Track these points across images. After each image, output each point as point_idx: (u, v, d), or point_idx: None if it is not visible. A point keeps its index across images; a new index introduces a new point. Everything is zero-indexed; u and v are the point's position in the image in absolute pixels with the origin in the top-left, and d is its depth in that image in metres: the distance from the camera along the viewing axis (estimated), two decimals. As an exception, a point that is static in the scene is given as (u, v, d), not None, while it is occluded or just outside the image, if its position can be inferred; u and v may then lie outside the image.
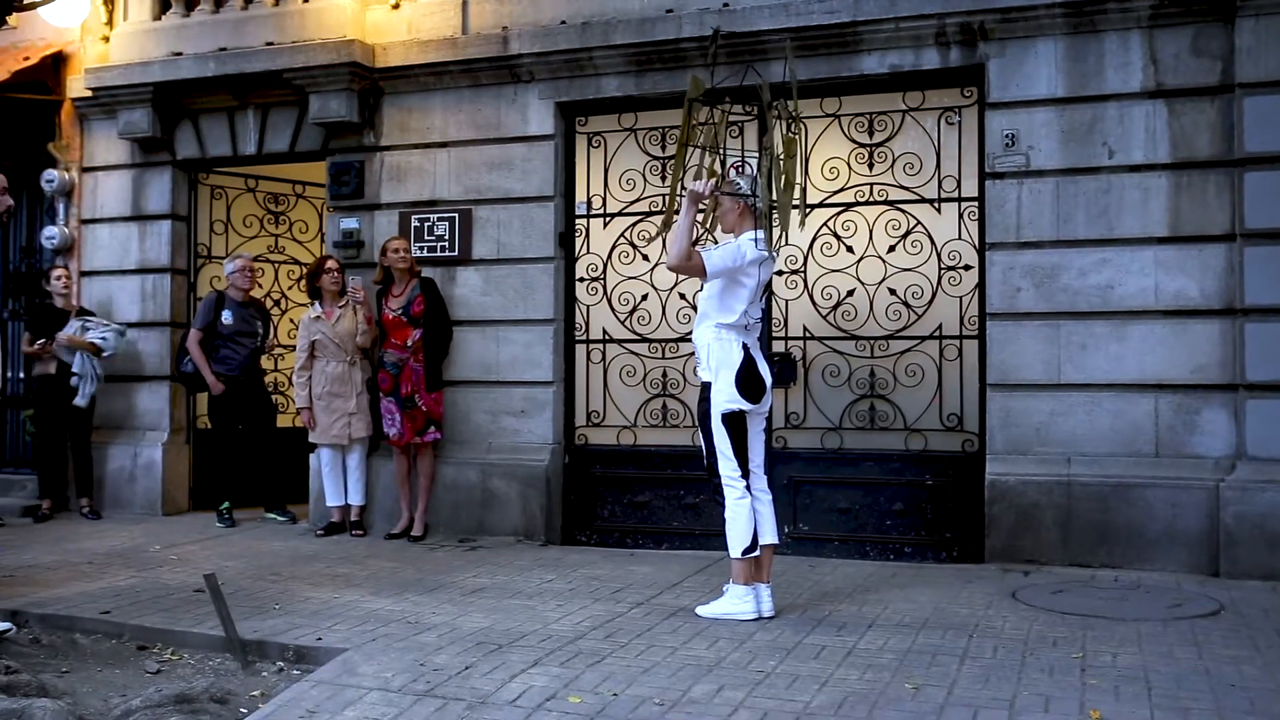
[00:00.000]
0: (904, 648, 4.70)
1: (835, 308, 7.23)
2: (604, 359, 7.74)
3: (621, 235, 7.73)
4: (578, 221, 7.85)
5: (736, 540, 5.31)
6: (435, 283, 7.81)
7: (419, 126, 8.10)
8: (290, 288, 9.63)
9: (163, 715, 4.03)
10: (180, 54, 8.46)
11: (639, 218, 7.67)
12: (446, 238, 7.95)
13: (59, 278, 8.71)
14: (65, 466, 8.84)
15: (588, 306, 7.80)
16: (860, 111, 7.25)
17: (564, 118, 7.83)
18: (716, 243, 5.49)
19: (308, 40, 8.08)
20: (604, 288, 7.75)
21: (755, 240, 5.30)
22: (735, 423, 5.35)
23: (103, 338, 8.49)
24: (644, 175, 7.67)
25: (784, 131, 5.49)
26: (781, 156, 5.39)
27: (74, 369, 8.48)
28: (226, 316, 8.32)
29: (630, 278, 7.69)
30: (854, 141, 7.26)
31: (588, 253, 7.82)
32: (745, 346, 5.37)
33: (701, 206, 5.50)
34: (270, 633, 5.07)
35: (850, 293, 7.21)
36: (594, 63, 7.56)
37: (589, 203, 7.84)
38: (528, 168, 7.80)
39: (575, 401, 7.80)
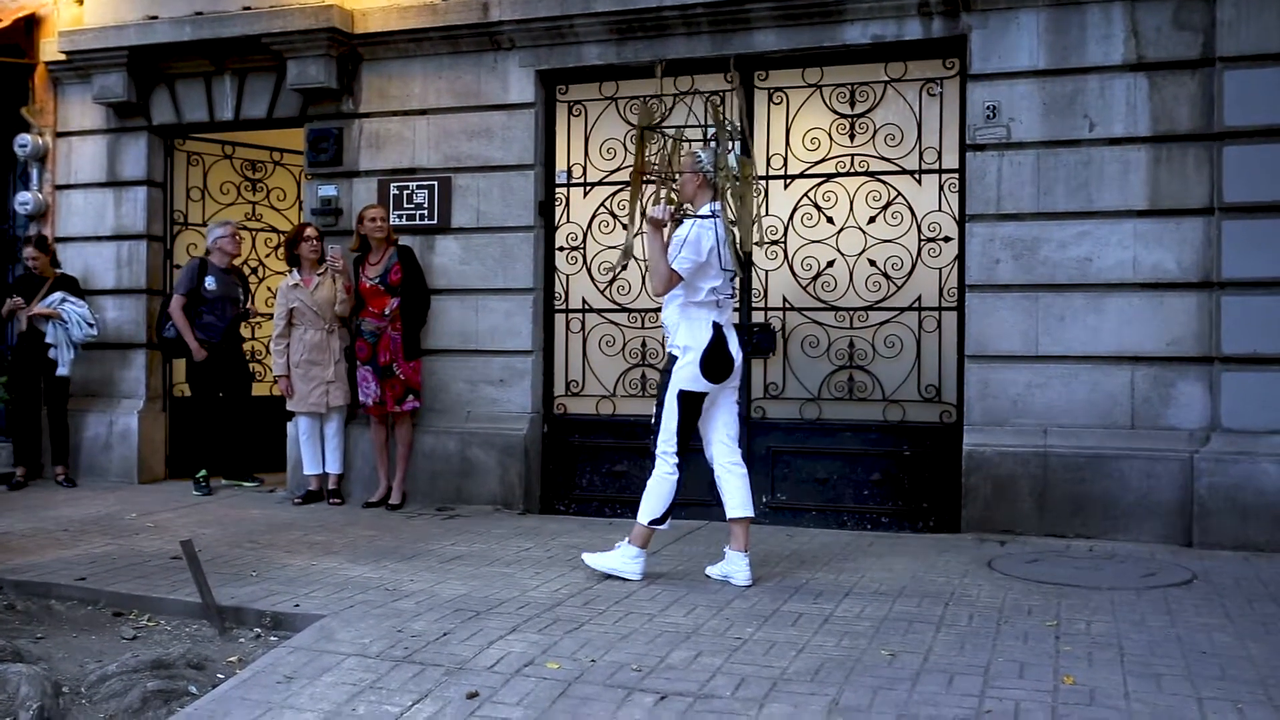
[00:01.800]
0: (880, 615, 4.73)
1: (815, 278, 7.24)
2: (583, 328, 7.73)
3: (601, 205, 7.70)
4: (558, 190, 7.82)
5: (649, 509, 5.41)
6: (413, 251, 7.78)
7: (398, 93, 8.04)
8: (268, 255, 9.56)
9: (139, 680, 4.03)
10: (156, 17, 8.35)
11: (619, 187, 7.63)
12: (426, 206, 7.90)
13: (31, 257, 8.58)
14: (40, 434, 8.79)
15: (567, 276, 7.78)
16: (842, 82, 7.23)
17: (544, 86, 7.78)
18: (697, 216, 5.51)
19: (286, 5, 7.99)
20: (584, 257, 7.73)
21: (714, 218, 5.38)
22: (690, 402, 5.41)
23: (76, 323, 8.42)
24: (624, 144, 7.63)
25: (732, 151, 5.55)
26: (736, 175, 5.46)
27: (48, 338, 8.42)
28: (209, 283, 8.27)
29: (610, 247, 7.66)
30: (835, 112, 7.24)
31: (568, 222, 7.79)
32: (716, 325, 5.42)
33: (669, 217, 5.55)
34: (247, 599, 5.07)
35: (830, 263, 7.21)
36: (575, 30, 7.50)
37: (569, 171, 7.81)
38: (508, 136, 7.76)
39: (554, 371, 7.79)
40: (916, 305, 7.05)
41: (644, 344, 7.57)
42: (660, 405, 5.46)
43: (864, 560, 5.95)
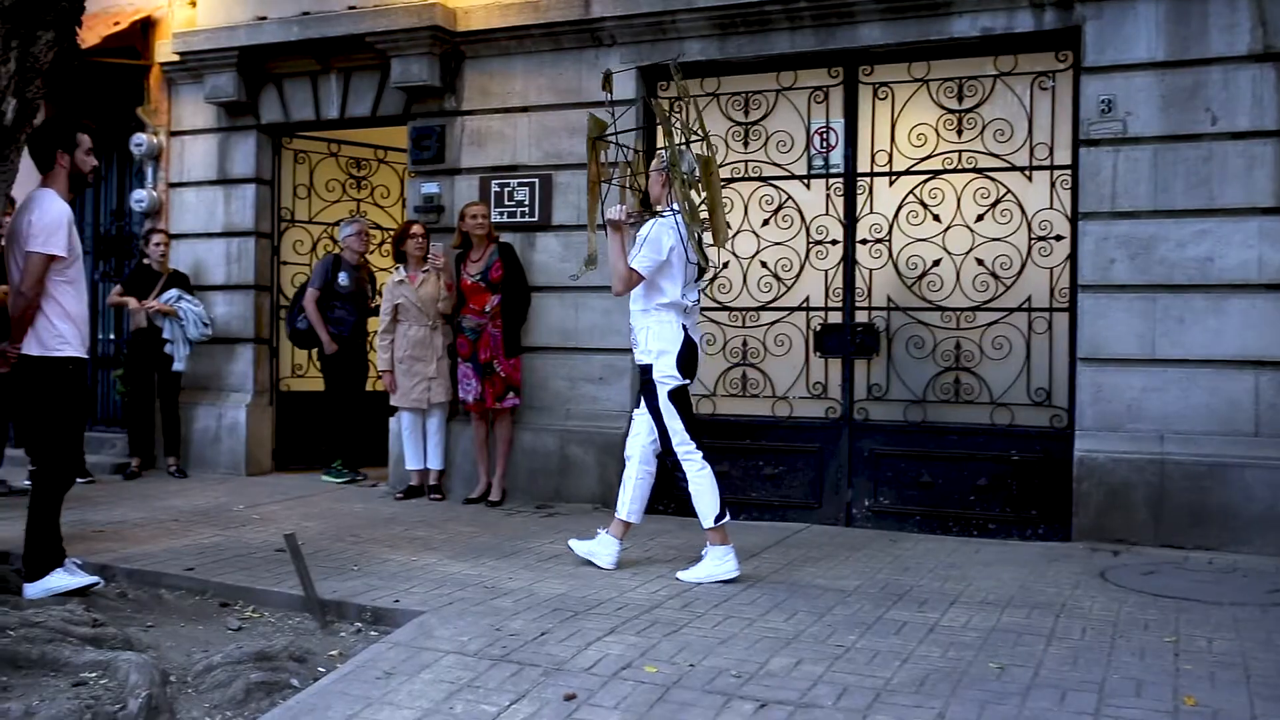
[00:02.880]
0: (988, 626, 4.59)
1: (920, 278, 7.07)
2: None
3: (703, 202, 7.61)
4: (659, 188, 7.76)
5: (706, 510, 5.45)
6: (514, 248, 7.79)
7: (500, 91, 8.06)
8: (371, 252, 9.67)
9: (243, 671, 4.07)
10: (264, 18, 8.51)
11: (721, 184, 7.53)
12: (526, 203, 7.91)
13: (157, 243, 8.83)
14: (153, 426, 9.01)
15: (672, 274, 7.72)
16: (949, 76, 7.05)
17: (645, 82, 7.73)
18: (658, 214, 5.64)
19: (390, 4, 8.08)
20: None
21: (675, 218, 5.47)
22: (681, 398, 5.53)
23: (193, 322, 8.64)
24: (726, 141, 7.55)
25: (684, 149, 5.59)
26: (690, 173, 5.52)
27: (165, 334, 8.64)
28: (342, 278, 8.56)
29: (709, 245, 7.56)
30: (942, 107, 7.07)
31: (672, 220, 7.73)
32: (684, 328, 5.53)
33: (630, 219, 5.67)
34: (349, 593, 5.11)
35: (936, 262, 7.04)
36: (676, 26, 7.44)
37: (672, 169, 7.74)
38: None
39: (651, 369, 7.74)
40: (1026, 306, 6.85)
41: (745, 343, 7.47)
42: (657, 416, 5.56)
43: (970, 568, 5.79)
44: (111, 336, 9.60)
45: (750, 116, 7.52)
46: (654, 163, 5.71)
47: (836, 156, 7.31)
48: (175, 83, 9.20)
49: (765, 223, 7.46)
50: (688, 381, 5.55)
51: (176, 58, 8.92)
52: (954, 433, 6.95)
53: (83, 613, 4.40)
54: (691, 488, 5.49)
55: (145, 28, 9.18)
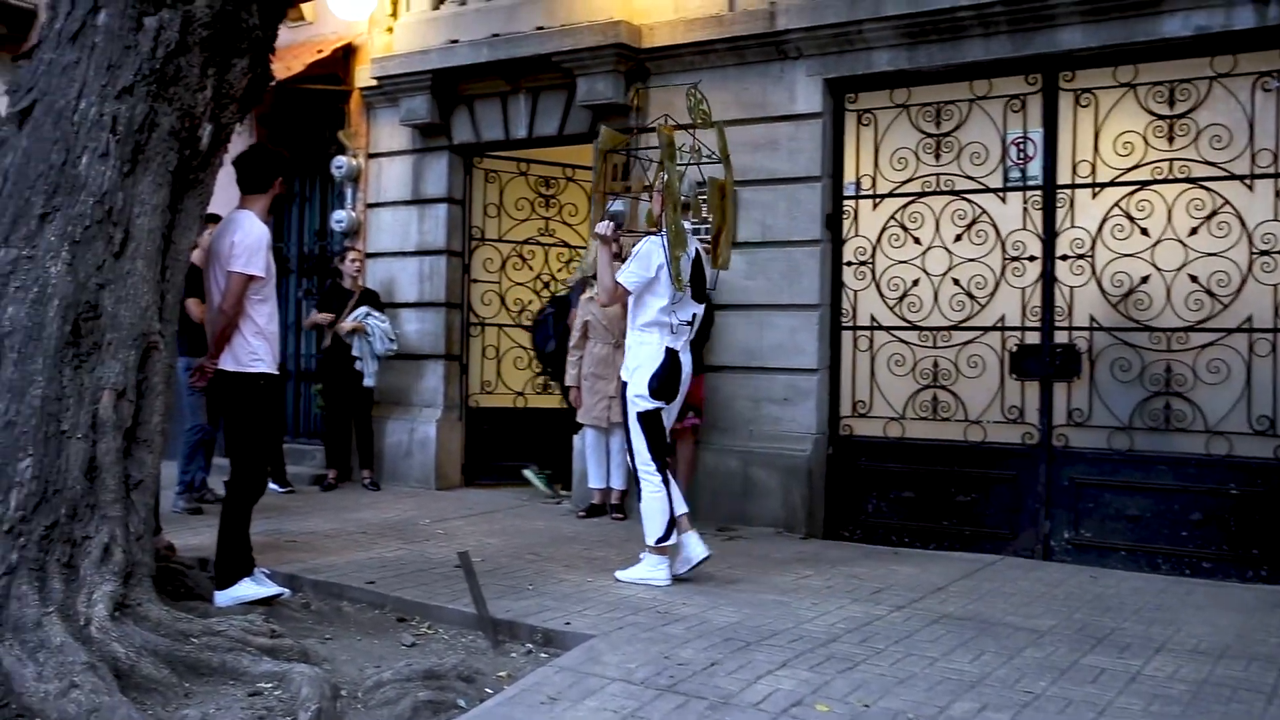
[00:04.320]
0: (1198, 678, 4.20)
1: (1127, 295, 6.62)
2: (871, 346, 7.40)
3: (892, 217, 7.36)
4: (846, 203, 7.54)
5: (652, 530, 5.65)
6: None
7: (684, 107, 7.95)
8: (560, 270, 9.76)
9: (411, 689, 4.07)
10: (456, 41, 8.69)
11: (911, 199, 7.28)
12: (711, 220, 7.79)
13: (353, 260, 9.13)
14: (349, 439, 9.28)
15: (855, 291, 7.48)
16: (1159, 80, 6.59)
17: (832, 95, 7.53)
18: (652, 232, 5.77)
19: (576, 23, 8.12)
20: (873, 272, 7.41)
21: (663, 238, 5.57)
22: (652, 422, 5.68)
23: (379, 338, 8.87)
24: (917, 154, 7.27)
25: (683, 173, 5.81)
26: (683, 199, 5.77)
27: (354, 351, 8.90)
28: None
29: (900, 262, 7.32)
30: (1151, 113, 6.61)
31: (856, 235, 7.50)
32: (670, 350, 5.66)
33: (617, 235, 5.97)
34: (521, 613, 5.08)
35: (1144, 279, 6.58)
36: (864, 36, 7.21)
37: (858, 183, 7.51)
38: (794, 147, 7.55)
39: (840, 390, 7.50)
40: (1246, 326, 6.31)
41: (936, 364, 7.16)
42: (627, 431, 5.76)
43: (1180, 611, 5.34)
44: (313, 352, 9.96)
45: (942, 128, 7.22)
46: (656, 182, 5.85)
47: (1034, 168, 6.94)
48: (373, 106, 9.50)
49: (958, 238, 7.14)
50: (661, 405, 5.69)
51: (374, 82, 9.20)
52: (1164, 463, 6.46)
53: (262, 623, 4.50)
54: (642, 505, 5.70)
55: (346, 54, 9.51)
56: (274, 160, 5.40)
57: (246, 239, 5.15)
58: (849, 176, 7.55)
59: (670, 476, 5.79)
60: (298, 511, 7.89)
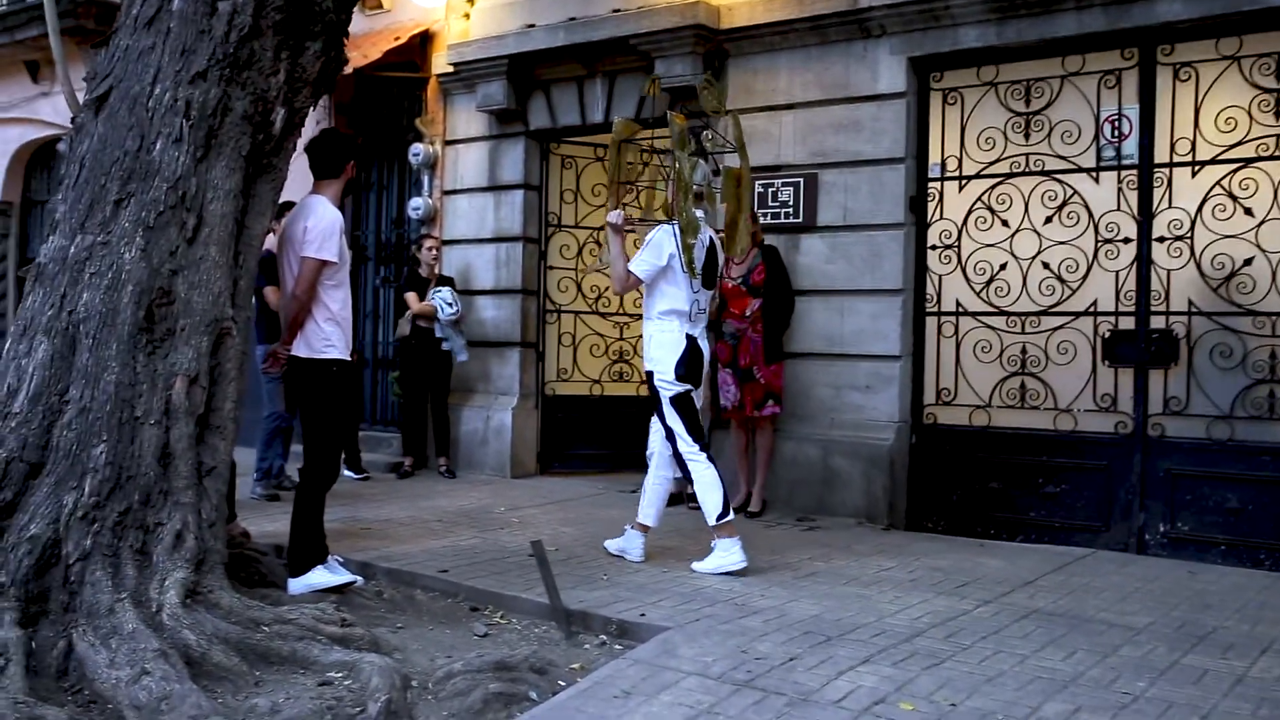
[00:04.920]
0: (1309, 680, 3.97)
1: (1228, 279, 6.32)
2: (956, 332, 7.18)
3: (979, 199, 7.13)
4: (930, 185, 7.31)
5: (711, 508, 5.63)
6: (778, 251, 7.51)
7: (763, 89, 7.82)
8: (636, 257, 9.63)
9: (482, 681, 3.99)
10: (533, 26, 8.61)
11: (999, 180, 7.04)
12: (790, 203, 7.63)
13: (430, 247, 9.10)
14: (425, 427, 9.28)
15: (939, 276, 7.26)
16: (1267, 52, 6.26)
17: (916, 73, 7.30)
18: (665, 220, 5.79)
19: (653, 5, 7.99)
20: (958, 256, 7.19)
21: (675, 227, 5.61)
22: (685, 404, 5.69)
23: (440, 307, 8.81)
24: (1005, 133, 7.03)
25: (696, 163, 5.77)
26: (695, 187, 5.66)
27: (437, 333, 8.88)
28: None
29: (987, 245, 7.08)
30: (1258, 87, 6.29)
31: (941, 218, 7.27)
32: (689, 337, 5.69)
33: (630, 226, 5.94)
34: (595, 604, 4.99)
35: (1248, 261, 6.27)
36: (950, 12, 6.97)
37: (943, 164, 7.29)
38: (877, 128, 7.34)
39: (924, 377, 7.29)
40: (1358, 310, 6.00)
41: (1024, 351, 6.91)
42: (663, 419, 5.75)
43: (1286, 608, 5.08)
44: (390, 339, 9.98)
45: (1032, 106, 6.96)
46: (669, 171, 5.86)
47: (1130, 146, 6.66)
48: (450, 93, 9.46)
49: (1048, 220, 6.88)
50: (690, 388, 5.70)
51: (451, 69, 9.16)
52: (1269, 453, 6.16)
53: (333, 612, 4.45)
54: (696, 487, 5.70)
55: (423, 41, 9.49)
56: (346, 145, 5.36)
57: (319, 224, 5.11)
58: (934, 158, 7.32)
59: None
60: (373, 499, 7.89)
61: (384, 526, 6.82)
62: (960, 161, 7.22)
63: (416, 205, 9.50)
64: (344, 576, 5.23)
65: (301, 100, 4.98)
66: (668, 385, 5.69)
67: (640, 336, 8.92)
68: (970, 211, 7.15)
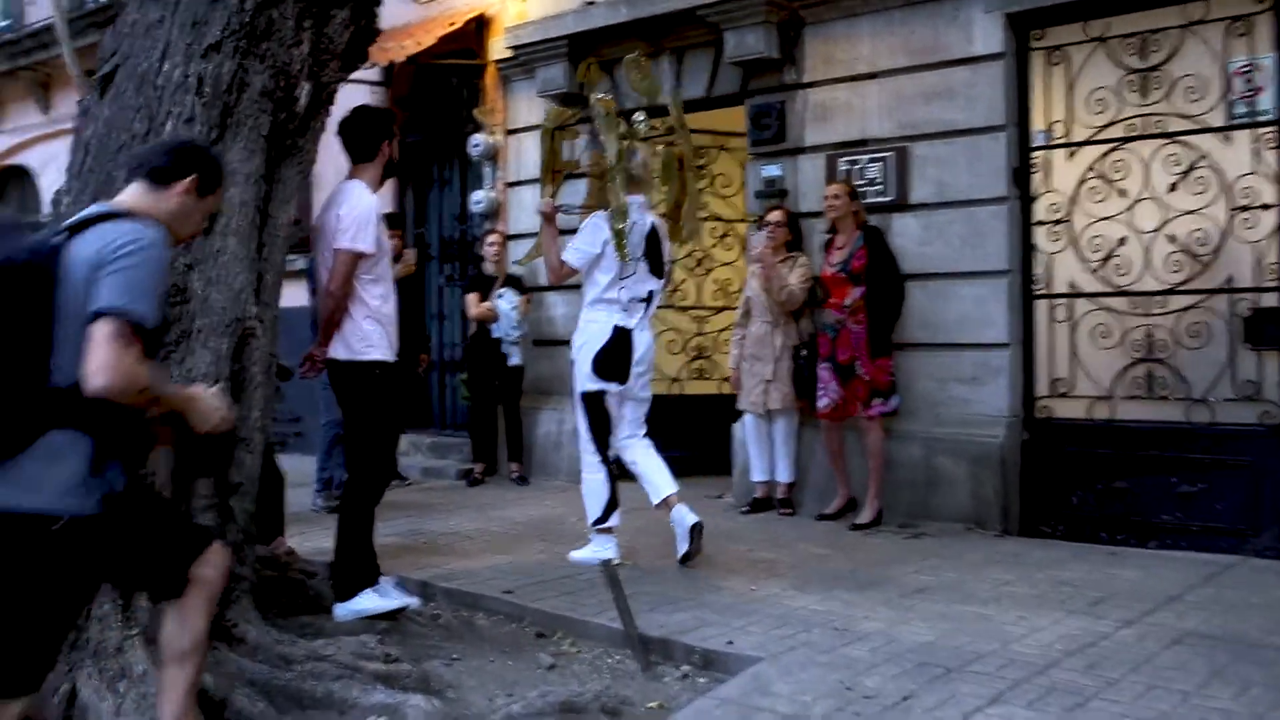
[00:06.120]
0: None
1: (1390, 244, 5.55)
2: (1070, 316, 6.45)
3: (1091, 168, 6.40)
4: (1035, 154, 6.60)
5: (590, 511, 5.58)
6: (881, 233, 6.80)
7: (845, 58, 7.17)
8: (713, 246, 9.04)
9: (544, 727, 3.45)
10: (592, 2, 8.11)
11: (1113, 145, 6.31)
12: (879, 180, 6.97)
13: (491, 243, 8.61)
14: (495, 431, 8.78)
15: (1049, 254, 6.54)
16: None
17: (1015, 32, 6.60)
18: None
19: (722, -29, 7.38)
20: (1070, 232, 6.47)
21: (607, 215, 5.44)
22: (593, 403, 5.54)
23: (505, 315, 8.32)
24: (1119, 93, 6.30)
25: (619, 143, 5.54)
26: (617, 168, 5.47)
27: (494, 334, 8.39)
28: None
29: (1103, 218, 6.35)
30: None
31: (1048, 191, 6.55)
32: (618, 329, 5.48)
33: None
34: (676, 629, 4.42)
35: None
36: (1053, -40, 6.27)
37: (1048, 131, 6.57)
38: (972, 94, 6.65)
39: (1035, 367, 6.57)
40: None
41: (1149, 335, 6.17)
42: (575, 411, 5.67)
43: None
44: (455, 340, 9.51)
45: (1149, 61, 6.22)
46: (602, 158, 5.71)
47: (1265, 101, 5.89)
48: (509, 80, 8.95)
49: (1172, 188, 6.14)
50: (607, 387, 5.51)
51: (509, 53, 8.66)
52: None
53: (376, 645, 3.94)
54: (584, 487, 5.61)
55: (480, 27, 9.01)
56: (380, 123, 4.82)
57: (354, 211, 4.60)
58: (1037, 124, 6.61)
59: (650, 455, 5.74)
60: (440, 508, 7.41)
61: (449, 540, 6.33)
62: (1068, 127, 6.50)
63: (478, 199, 9.01)
64: (395, 601, 4.71)
65: (329, 74, 4.47)
66: (582, 380, 5.55)
67: (720, 332, 8.52)
68: (1082, 182, 6.43)
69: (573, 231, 5.91)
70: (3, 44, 13.14)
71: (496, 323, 8.39)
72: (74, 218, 2.86)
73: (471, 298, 8.44)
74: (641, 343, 5.62)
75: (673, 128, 6.01)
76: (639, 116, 5.82)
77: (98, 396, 2.60)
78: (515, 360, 8.52)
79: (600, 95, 5.77)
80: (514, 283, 8.56)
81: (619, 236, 5.39)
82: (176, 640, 2.99)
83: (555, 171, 6.00)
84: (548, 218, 5.75)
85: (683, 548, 5.57)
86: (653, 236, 5.66)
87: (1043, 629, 4.32)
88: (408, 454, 9.17)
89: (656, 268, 5.69)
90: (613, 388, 5.54)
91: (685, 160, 5.77)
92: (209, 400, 3.00)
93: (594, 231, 5.53)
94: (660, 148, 6.01)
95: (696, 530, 5.54)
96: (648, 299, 5.66)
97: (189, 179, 3.01)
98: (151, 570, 3.00)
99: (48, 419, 2.65)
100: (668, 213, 5.94)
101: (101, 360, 2.58)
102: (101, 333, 2.60)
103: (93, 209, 2.91)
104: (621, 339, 5.51)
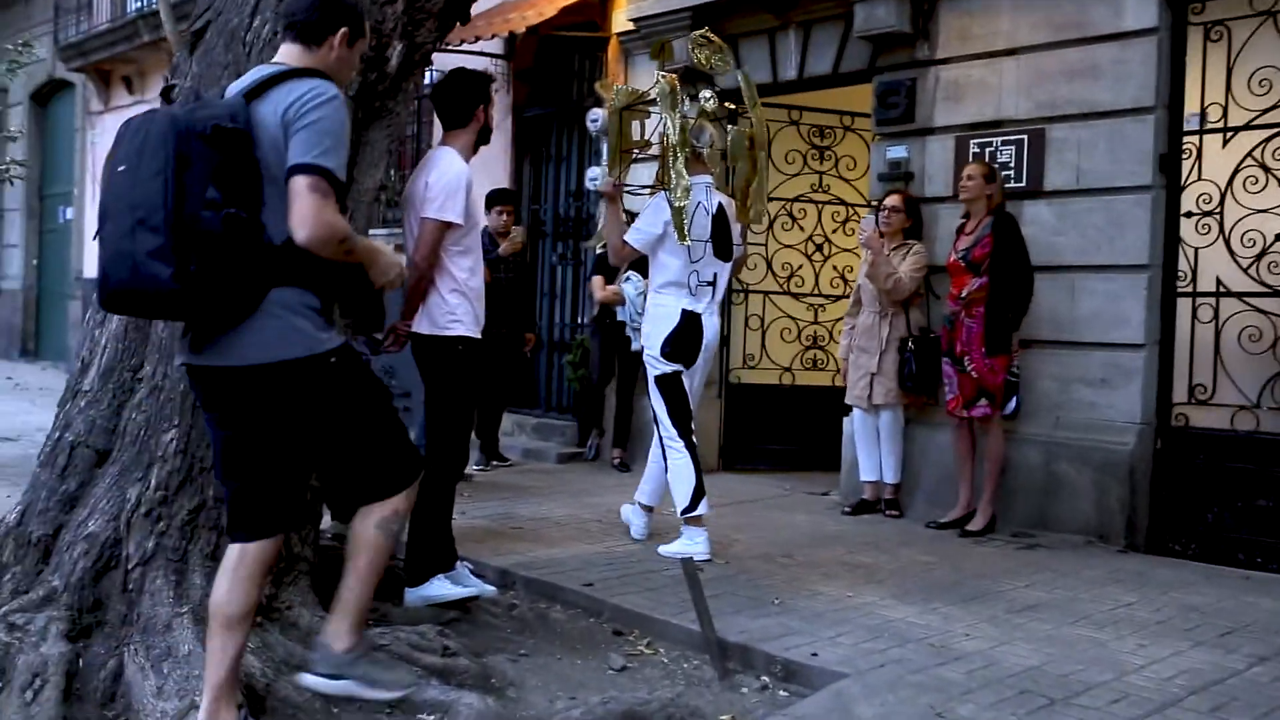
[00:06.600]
0: None
1: None
2: (1216, 317, 5.93)
3: (1249, 155, 5.86)
4: (1186, 139, 6.08)
5: (678, 498, 5.36)
6: (1015, 221, 6.30)
7: (982, 33, 6.72)
8: (834, 230, 8.67)
9: (603, 736, 3.21)
10: (717, -27, 7.76)
11: (1276, 130, 5.76)
12: (1012, 165, 6.52)
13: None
14: (601, 415, 8.58)
15: (1196, 249, 6.01)
16: None
17: (1170, 5, 6.07)
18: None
19: (853, -61, 7.00)
20: (1220, 224, 5.94)
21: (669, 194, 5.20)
22: (671, 385, 5.41)
23: (632, 300, 8.07)
24: (1288, 73, 5.75)
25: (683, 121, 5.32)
26: (687, 147, 5.26)
27: (619, 316, 8.18)
28: None
29: (1259, 211, 5.81)
30: None
31: (1198, 179, 6.02)
32: (685, 312, 5.35)
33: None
34: (759, 636, 4.14)
35: None
36: (1219, -75, 5.74)
37: (1203, 114, 6.04)
38: (1120, 72, 6.15)
39: (1174, 371, 6.07)
40: None
41: (1303, 338, 5.64)
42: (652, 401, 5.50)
43: None
44: (566, 320, 9.33)
45: (1322, 39, 5.66)
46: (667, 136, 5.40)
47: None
48: (631, 53, 8.70)
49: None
50: (679, 368, 5.40)
51: (631, 26, 8.40)
52: None
53: (435, 636, 3.74)
54: (669, 474, 5.45)
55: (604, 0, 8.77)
56: (475, 87, 4.61)
57: (442, 179, 4.40)
58: (1191, 106, 6.07)
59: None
60: (536, 492, 7.23)
61: (538, 527, 6.14)
62: (1225, 110, 5.96)
63: (594, 175, 8.77)
64: (468, 589, 4.51)
65: (424, 34, 4.26)
66: (654, 363, 5.43)
67: (835, 321, 8.15)
68: (1237, 170, 5.89)
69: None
70: (147, 14, 13.45)
71: (622, 306, 8.18)
72: (245, 82, 2.96)
73: (597, 280, 8.23)
74: (709, 328, 5.50)
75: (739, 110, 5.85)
76: (706, 94, 5.58)
77: (306, 247, 2.77)
78: (638, 345, 8.30)
79: (666, 72, 5.56)
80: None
81: (678, 216, 5.18)
82: (231, 604, 2.90)
83: (624, 151, 5.85)
84: (611, 198, 5.65)
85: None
86: (720, 218, 5.48)
87: (1162, 660, 3.91)
88: (511, 434, 9.04)
89: (722, 250, 5.51)
90: (683, 369, 5.43)
91: (756, 140, 5.58)
92: (391, 255, 3.12)
93: (655, 212, 5.38)
94: (730, 127, 5.79)
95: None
96: (713, 282, 5.48)
97: (340, 32, 3.08)
98: (367, 456, 3.07)
99: (269, 276, 2.81)
100: (739, 193, 5.68)
101: (304, 212, 2.76)
102: (301, 185, 2.77)
103: (262, 70, 2.99)
104: (691, 323, 5.40)
